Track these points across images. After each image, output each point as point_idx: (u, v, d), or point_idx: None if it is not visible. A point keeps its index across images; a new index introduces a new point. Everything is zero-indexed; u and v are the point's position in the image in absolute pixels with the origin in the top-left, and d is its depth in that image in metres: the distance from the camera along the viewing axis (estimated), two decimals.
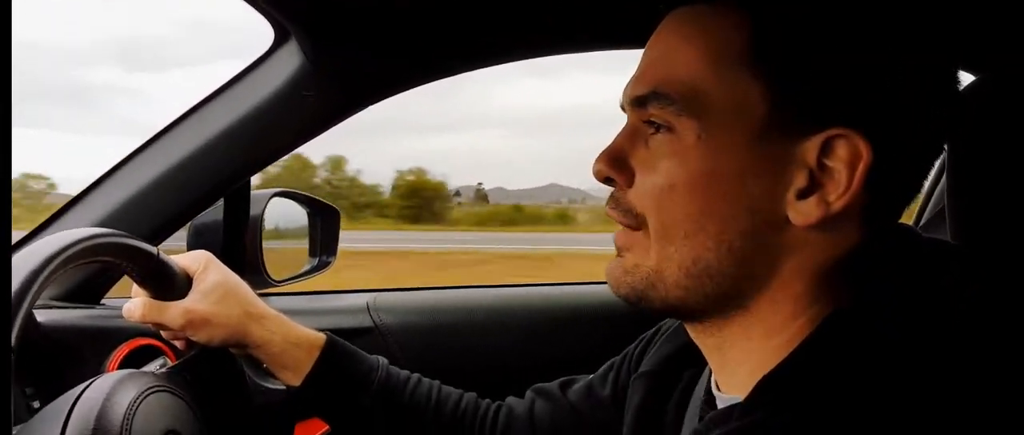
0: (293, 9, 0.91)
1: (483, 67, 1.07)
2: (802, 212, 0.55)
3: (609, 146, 0.62)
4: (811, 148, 0.54)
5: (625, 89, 0.62)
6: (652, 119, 0.58)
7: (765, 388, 0.53)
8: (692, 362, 0.68)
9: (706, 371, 0.68)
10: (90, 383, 0.72)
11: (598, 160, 0.62)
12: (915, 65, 0.55)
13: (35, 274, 0.64)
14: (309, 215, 1.44)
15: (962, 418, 0.48)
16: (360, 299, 1.30)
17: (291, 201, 1.38)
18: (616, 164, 0.61)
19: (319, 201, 1.44)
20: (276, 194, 1.28)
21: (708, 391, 0.66)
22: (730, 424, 0.53)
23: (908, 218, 1.47)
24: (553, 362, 1.29)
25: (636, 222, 0.60)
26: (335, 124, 1.08)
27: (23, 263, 0.65)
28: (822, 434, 0.48)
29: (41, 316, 0.99)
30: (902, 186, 0.58)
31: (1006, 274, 0.70)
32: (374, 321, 1.27)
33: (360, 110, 1.08)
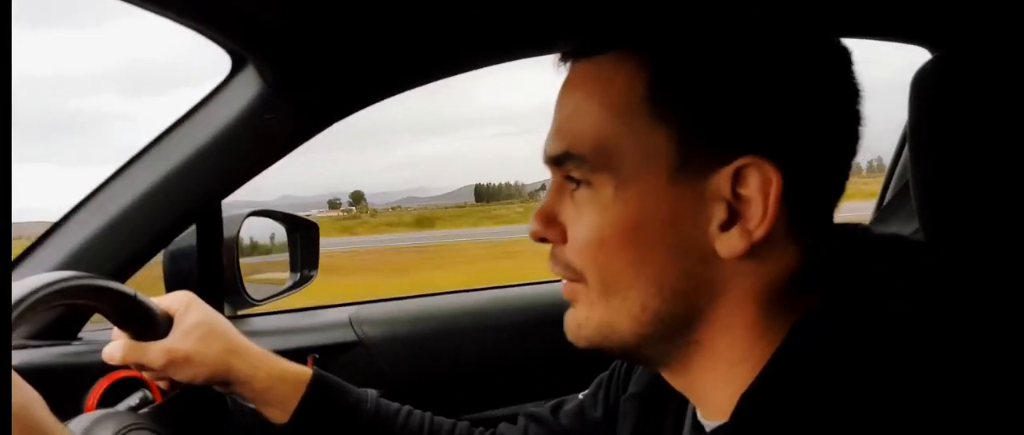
0: (245, 38, 0.90)
1: (440, 78, 1.07)
2: (728, 244, 0.55)
3: (540, 207, 0.63)
4: (723, 181, 0.55)
5: (545, 146, 0.62)
6: (571, 175, 0.59)
7: (745, 407, 0.54)
8: None
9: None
10: (66, 424, 0.72)
11: (533, 220, 0.63)
12: (809, 82, 0.56)
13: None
14: (288, 231, 1.43)
15: (929, 408, 0.49)
16: (342, 313, 1.30)
17: (267, 219, 1.37)
18: (548, 223, 0.62)
19: (296, 217, 1.44)
20: (252, 213, 1.28)
21: (694, 418, 0.66)
22: None
23: (872, 197, 1.49)
24: (541, 361, 1.30)
25: (577, 276, 0.60)
26: (301, 143, 1.08)
27: None
28: None
29: (16, 358, 0.98)
30: (821, 198, 0.58)
31: (965, 262, 0.71)
32: (357, 335, 1.26)
33: (325, 128, 1.08)
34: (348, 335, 1.26)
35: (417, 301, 1.43)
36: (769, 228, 0.54)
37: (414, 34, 0.93)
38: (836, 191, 0.59)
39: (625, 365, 0.86)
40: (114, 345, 0.86)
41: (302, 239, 1.45)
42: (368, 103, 1.05)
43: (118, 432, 0.74)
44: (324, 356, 1.20)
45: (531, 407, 0.98)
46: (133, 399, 0.94)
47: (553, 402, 0.94)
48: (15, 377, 0.57)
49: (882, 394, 0.49)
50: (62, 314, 1.08)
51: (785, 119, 0.55)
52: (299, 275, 1.43)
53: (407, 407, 0.95)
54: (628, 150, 0.56)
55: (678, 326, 0.58)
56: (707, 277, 0.57)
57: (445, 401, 1.01)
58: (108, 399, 0.97)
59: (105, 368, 0.97)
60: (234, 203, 1.20)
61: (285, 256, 1.42)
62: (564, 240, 0.61)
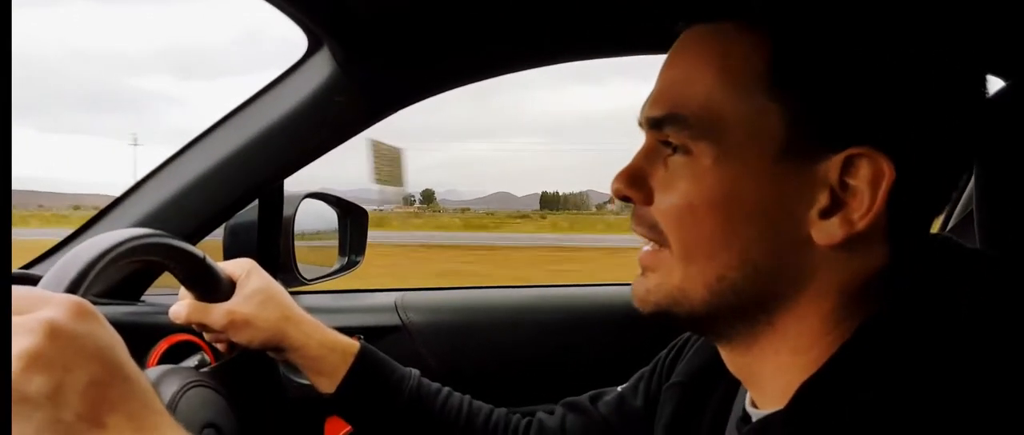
0: (325, 19, 0.93)
1: (513, 72, 1.09)
2: (826, 232, 0.54)
3: (627, 166, 0.62)
4: (832, 168, 0.54)
5: (643, 107, 0.62)
6: (668, 141, 0.58)
7: (804, 396, 0.53)
8: (726, 376, 0.66)
9: (741, 388, 0.68)
10: None
11: (616, 179, 0.62)
12: (938, 83, 0.55)
13: (89, 266, 0.66)
14: (339, 216, 1.47)
15: (1000, 424, 0.47)
16: (388, 298, 1.33)
17: (321, 202, 1.41)
18: (634, 183, 0.61)
19: (348, 202, 1.47)
20: (308, 195, 1.32)
21: (744, 409, 0.65)
22: (770, 433, 0.54)
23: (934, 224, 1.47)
24: (579, 362, 1.32)
25: (660, 238, 0.59)
26: (367, 128, 1.11)
27: (77, 258, 0.66)
28: None
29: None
30: (927, 202, 0.57)
31: None
32: (401, 320, 1.29)
33: (391, 114, 1.11)
34: (392, 319, 1.29)
35: (461, 292, 1.46)
36: (872, 221, 0.53)
37: (490, 25, 0.96)
38: (941, 199, 0.58)
39: (669, 358, 0.86)
40: (180, 305, 0.90)
41: (352, 224, 1.48)
42: (435, 91, 1.08)
43: (183, 386, 0.78)
44: (368, 338, 1.22)
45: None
46: (192, 360, 0.98)
47: (591, 393, 0.95)
48: (103, 319, 0.59)
49: (942, 403, 0.47)
50: (128, 275, 1.13)
51: (907, 116, 0.53)
52: (347, 259, 1.46)
53: (447, 388, 0.98)
54: (736, 121, 0.55)
55: (752, 304, 0.57)
56: (794, 261, 0.56)
57: (481, 392, 1.02)
58: (167, 360, 1.01)
59: (165, 330, 1.02)
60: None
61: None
62: (648, 202, 0.60)
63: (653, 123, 0.60)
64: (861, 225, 0.54)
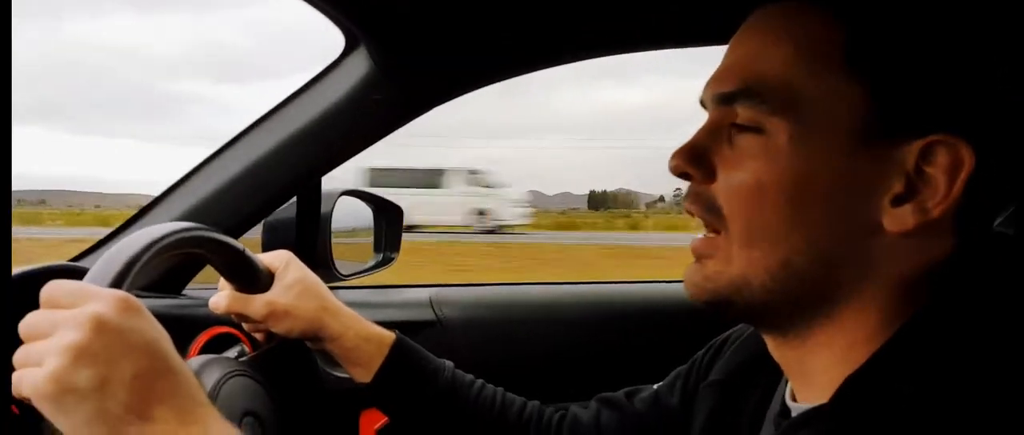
0: (363, 17, 0.94)
1: (550, 67, 1.10)
2: (898, 219, 0.53)
3: (688, 142, 0.60)
4: (910, 154, 0.52)
5: (707, 85, 0.60)
6: (738, 120, 0.57)
7: (849, 390, 0.51)
8: (766, 372, 0.66)
9: (781, 383, 0.66)
10: None
11: (675, 155, 0.60)
12: (1014, 70, 0.53)
13: (134, 260, 0.68)
14: (374, 213, 1.48)
15: None
16: (423, 293, 1.34)
17: (357, 199, 1.43)
18: (695, 159, 0.59)
19: (383, 199, 1.48)
20: (344, 192, 1.33)
21: (783, 403, 0.64)
22: (812, 427, 0.52)
23: None
24: (613, 360, 1.32)
25: (717, 218, 0.58)
26: (403, 125, 1.12)
27: (122, 251, 0.68)
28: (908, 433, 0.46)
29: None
30: (999, 194, 0.56)
31: None
32: (436, 315, 1.30)
33: (428, 111, 1.12)
34: (427, 314, 1.31)
35: (496, 288, 1.47)
36: (947, 210, 0.52)
37: (527, 20, 0.96)
38: (1013, 192, 0.58)
39: (707, 357, 0.85)
40: (220, 295, 0.91)
41: (387, 221, 1.49)
42: (472, 87, 1.09)
43: (224, 375, 0.79)
44: (403, 333, 1.24)
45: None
46: (232, 352, 1.00)
47: (627, 389, 0.95)
48: (148, 313, 0.60)
49: (989, 402, 0.46)
50: (170, 268, 1.16)
51: (990, 103, 0.52)
52: (382, 255, 1.48)
53: (480, 381, 0.98)
54: (813, 101, 0.54)
55: (814, 294, 0.56)
56: (862, 248, 0.54)
57: (515, 388, 1.02)
58: (207, 351, 1.03)
59: (206, 322, 1.04)
60: None
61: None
62: (708, 180, 0.58)
63: (723, 98, 0.58)
64: (936, 213, 0.52)
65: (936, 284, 0.54)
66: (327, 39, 1.06)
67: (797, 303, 0.56)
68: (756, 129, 0.55)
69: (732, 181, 0.56)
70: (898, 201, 0.53)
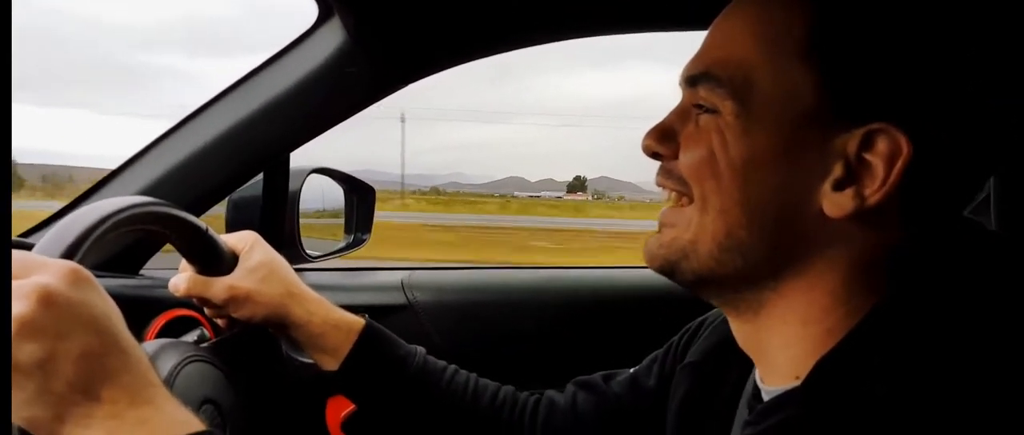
0: None
1: (531, 45, 1.07)
2: (837, 203, 0.55)
3: (659, 123, 0.64)
4: (852, 141, 0.55)
5: (684, 68, 0.63)
6: (699, 101, 0.60)
7: (821, 374, 0.53)
8: (739, 355, 0.67)
9: (754, 367, 0.68)
10: None
11: (647, 135, 0.64)
12: (966, 69, 0.55)
13: (87, 233, 0.63)
14: (346, 192, 1.45)
15: (1016, 408, 0.47)
16: (395, 276, 1.31)
17: (328, 178, 1.39)
18: (664, 138, 0.63)
19: (355, 179, 1.45)
20: (314, 171, 1.29)
21: (755, 386, 0.66)
22: (785, 412, 0.53)
23: None
24: (586, 344, 1.30)
25: (686, 190, 0.61)
26: (377, 100, 1.08)
27: (75, 223, 0.64)
28: (880, 421, 0.47)
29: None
30: (946, 186, 0.57)
31: None
32: (408, 298, 1.27)
33: (402, 87, 1.08)
34: (399, 298, 1.27)
35: (469, 272, 1.44)
36: (884, 198, 0.54)
37: None
38: (963, 187, 0.59)
39: (683, 341, 0.86)
40: (180, 277, 0.88)
41: (358, 201, 1.46)
42: (448, 64, 1.06)
43: (182, 360, 0.76)
44: (373, 317, 1.21)
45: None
46: (191, 336, 0.96)
47: (603, 372, 0.94)
48: (99, 286, 0.57)
49: (956, 387, 0.47)
50: (127, 246, 1.10)
51: (930, 96, 0.54)
52: (352, 237, 1.44)
53: (453, 366, 0.96)
54: (767, 84, 0.57)
55: (758, 268, 0.59)
56: (804, 229, 0.57)
57: (488, 373, 1.00)
58: (165, 334, 0.99)
59: (164, 304, 0.99)
60: None
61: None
62: (675, 156, 0.62)
63: (690, 80, 0.62)
64: (872, 200, 0.54)
65: (888, 270, 0.56)
66: (309, 7, 1.02)
67: (741, 271, 0.59)
68: (713, 110, 0.59)
69: (691, 156, 0.60)
70: (839, 186, 0.55)
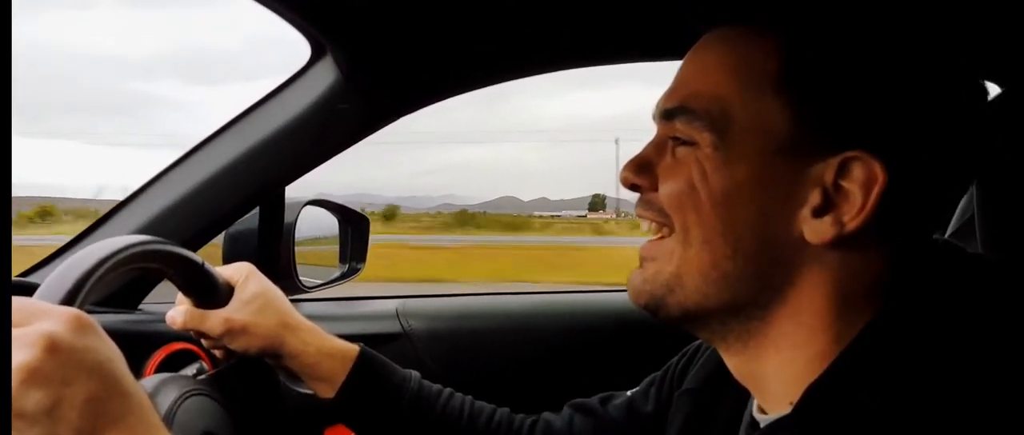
0: (329, 27, 0.93)
1: (518, 78, 1.09)
2: (816, 230, 0.56)
3: (636, 155, 0.65)
4: (828, 169, 0.56)
5: (658, 102, 0.65)
6: (677, 134, 0.61)
7: (811, 400, 0.54)
8: (735, 382, 0.67)
9: (752, 396, 0.68)
10: None
11: (625, 168, 0.65)
12: (936, 93, 0.56)
13: (87, 275, 0.65)
14: (340, 222, 1.46)
15: (1005, 427, 0.48)
16: (389, 305, 1.32)
17: (322, 209, 1.40)
18: (641, 171, 0.64)
19: (349, 209, 1.46)
20: (309, 202, 1.31)
21: (752, 415, 0.66)
22: None
23: None
24: (582, 369, 1.31)
25: (667, 221, 0.62)
26: (368, 135, 1.11)
27: (75, 266, 0.65)
28: None
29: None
30: (923, 209, 0.58)
31: None
32: (403, 327, 1.28)
33: (394, 120, 1.11)
34: (393, 327, 1.28)
35: (463, 299, 1.45)
36: (862, 223, 0.55)
37: (495, 33, 0.95)
38: (939, 208, 0.60)
39: (681, 364, 0.86)
40: (177, 310, 0.89)
41: (353, 231, 1.47)
42: (439, 98, 1.08)
43: (181, 395, 0.77)
44: (369, 346, 1.22)
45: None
46: (190, 369, 0.97)
47: (601, 395, 0.94)
48: (102, 331, 0.58)
49: (947, 408, 0.48)
50: (126, 283, 1.12)
51: (902, 122, 0.55)
52: (347, 266, 1.46)
53: (449, 389, 0.97)
54: (741, 117, 0.58)
55: (744, 299, 0.59)
56: (786, 257, 0.58)
57: (484, 399, 1.01)
58: (165, 369, 1.00)
59: (162, 339, 1.01)
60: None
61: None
62: (654, 188, 0.63)
63: (665, 114, 0.63)
64: (851, 226, 0.55)
65: (875, 294, 0.57)
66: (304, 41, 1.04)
67: (728, 302, 0.60)
68: (690, 142, 0.60)
69: (671, 188, 0.61)
70: (817, 213, 0.56)
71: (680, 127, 0.60)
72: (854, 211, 0.55)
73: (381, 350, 0.97)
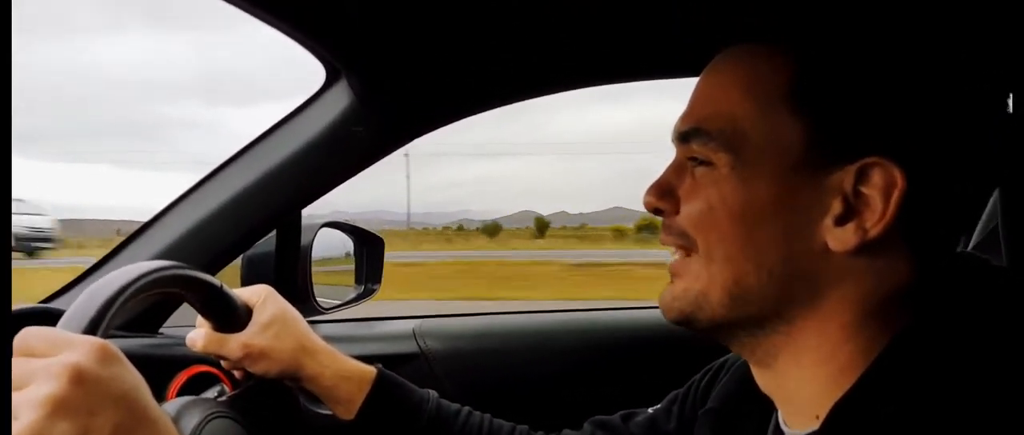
0: (343, 51, 0.94)
1: (531, 98, 1.10)
2: (840, 238, 0.56)
3: (657, 180, 0.66)
4: (847, 176, 0.56)
5: (675, 124, 0.65)
6: (694, 154, 0.62)
7: (839, 415, 0.54)
8: (759, 400, 0.68)
9: (775, 412, 0.68)
10: None
11: (648, 192, 0.65)
12: (951, 97, 0.57)
13: (109, 303, 0.66)
14: (355, 244, 1.47)
15: None
16: (406, 326, 1.33)
17: (338, 231, 1.41)
18: (664, 195, 0.65)
19: (364, 231, 1.48)
20: (325, 225, 1.32)
21: (777, 429, 0.66)
22: None
23: None
24: (601, 388, 1.30)
25: (689, 243, 0.62)
26: (383, 157, 1.12)
27: (97, 294, 0.66)
28: None
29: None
30: (946, 215, 0.58)
31: None
32: (420, 347, 1.29)
33: (408, 142, 1.12)
34: (411, 347, 1.29)
35: (480, 318, 1.45)
36: (885, 229, 0.55)
37: (511, 54, 0.96)
38: (962, 214, 0.60)
39: (704, 381, 0.86)
40: (197, 333, 0.90)
41: (368, 252, 1.48)
42: (453, 119, 1.09)
43: (204, 418, 0.77)
44: (386, 366, 1.22)
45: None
46: (212, 392, 0.98)
47: (623, 412, 0.94)
48: (126, 361, 0.58)
49: (978, 425, 0.48)
50: (147, 307, 1.13)
51: (918, 125, 0.56)
52: (363, 287, 1.46)
53: (466, 408, 0.97)
54: (757, 135, 0.59)
55: (770, 311, 0.60)
56: (812, 268, 0.58)
57: (503, 418, 1.01)
58: (186, 391, 1.01)
59: (184, 362, 1.01)
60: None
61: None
62: (676, 212, 0.64)
63: (682, 137, 0.64)
64: (874, 232, 0.56)
65: (901, 306, 0.57)
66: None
67: (754, 316, 0.60)
68: (707, 162, 0.61)
69: (691, 209, 0.62)
70: (840, 221, 0.57)
71: (696, 149, 0.61)
72: (876, 217, 0.55)
73: (398, 370, 0.98)
